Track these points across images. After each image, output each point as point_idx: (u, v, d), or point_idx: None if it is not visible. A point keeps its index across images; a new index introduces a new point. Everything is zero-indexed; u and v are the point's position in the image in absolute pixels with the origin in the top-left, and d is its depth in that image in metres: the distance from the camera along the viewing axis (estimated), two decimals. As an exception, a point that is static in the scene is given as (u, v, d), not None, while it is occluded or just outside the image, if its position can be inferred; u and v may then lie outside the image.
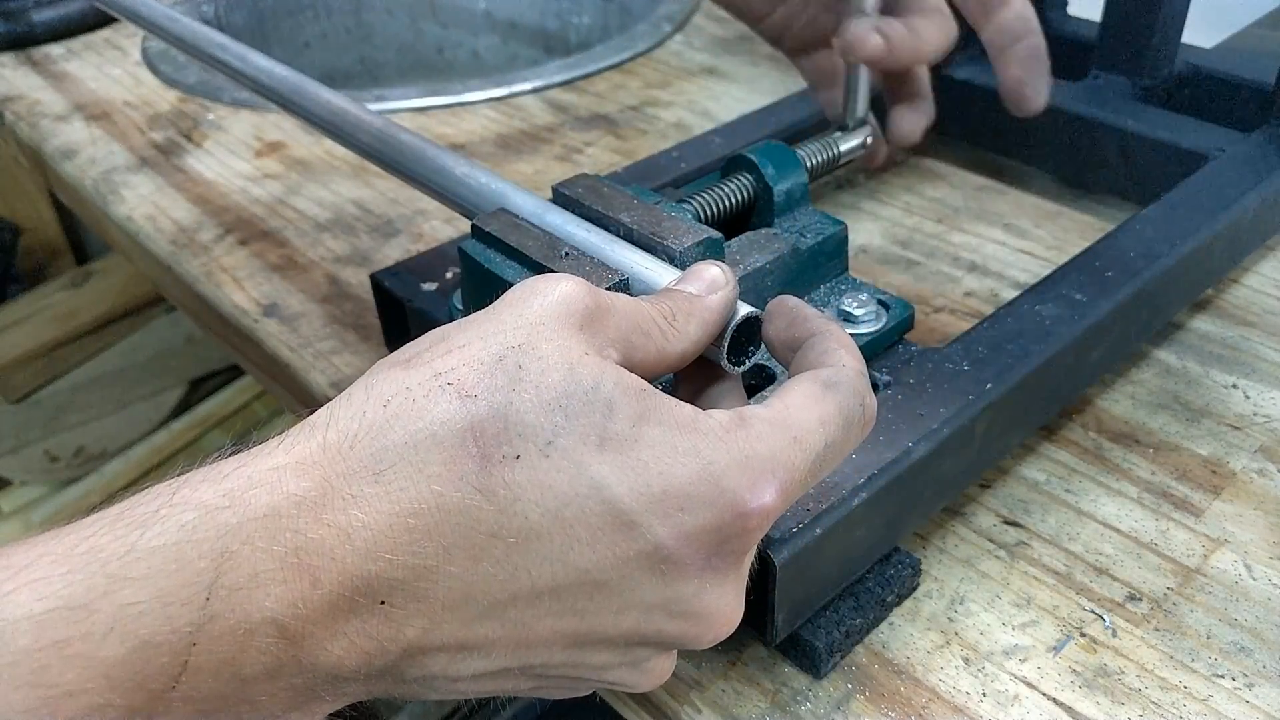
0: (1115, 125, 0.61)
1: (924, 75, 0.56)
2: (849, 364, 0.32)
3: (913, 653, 0.39)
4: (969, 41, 0.69)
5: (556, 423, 0.27)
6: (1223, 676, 0.38)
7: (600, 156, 0.74)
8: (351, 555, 0.25)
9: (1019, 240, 0.63)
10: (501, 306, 0.29)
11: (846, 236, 0.47)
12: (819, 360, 0.32)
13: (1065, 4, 0.74)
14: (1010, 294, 0.57)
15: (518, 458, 0.26)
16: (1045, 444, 0.48)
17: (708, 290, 0.33)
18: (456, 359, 0.27)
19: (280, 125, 0.81)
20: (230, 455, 0.27)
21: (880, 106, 0.57)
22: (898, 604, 0.41)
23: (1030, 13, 0.52)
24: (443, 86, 0.85)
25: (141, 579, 0.23)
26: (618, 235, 0.39)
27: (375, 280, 0.52)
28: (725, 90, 0.83)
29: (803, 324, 0.34)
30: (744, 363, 0.34)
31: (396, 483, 0.26)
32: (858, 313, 0.44)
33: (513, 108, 0.83)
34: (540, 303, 0.29)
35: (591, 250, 0.37)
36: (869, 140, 0.55)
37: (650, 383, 0.29)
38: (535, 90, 0.85)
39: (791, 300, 0.35)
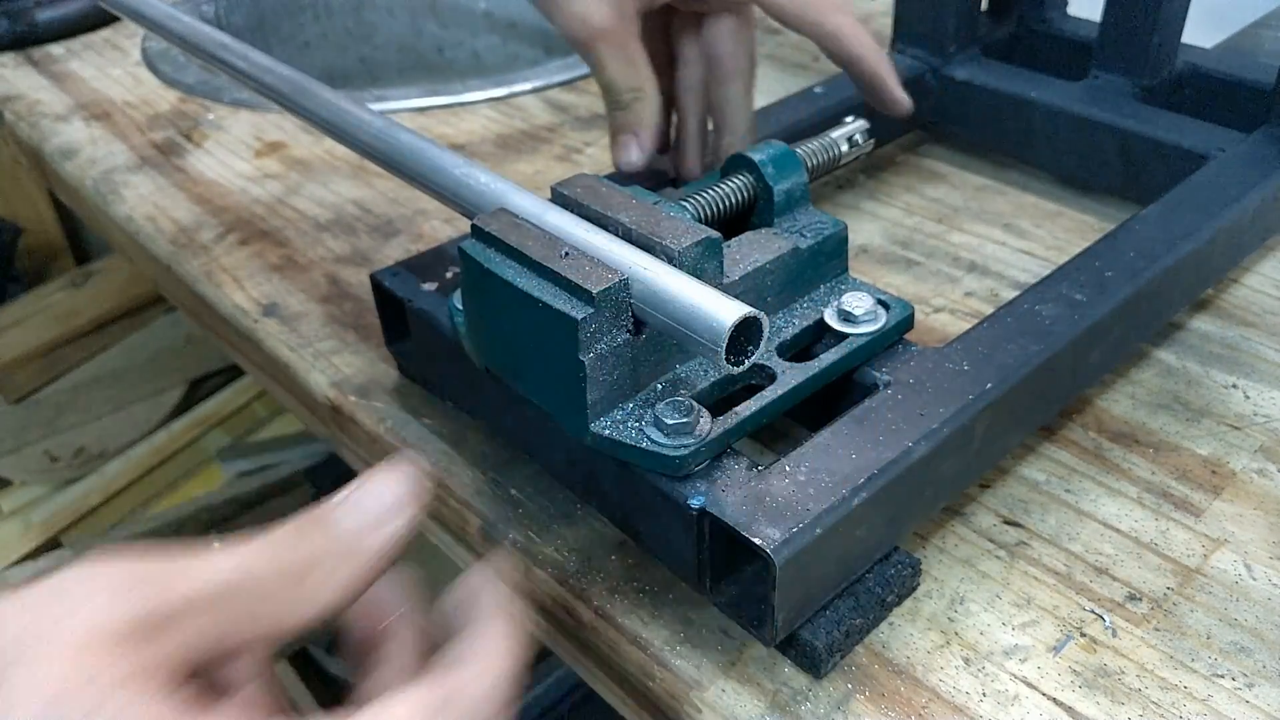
0: (1115, 125, 0.61)
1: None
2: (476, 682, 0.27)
3: (913, 653, 0.39)
4: (968, 41, 0.69)
5: None
6: (1223, 676, 0.38)
7: (600, 156, 0.74)
8: None
9: (1019, 240, 0.63)
10: None
11: (846, 236, 0.47)
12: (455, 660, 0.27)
13: (1065, 4, 0.74)
14: (1010, 294, 0.57)
15: None
16: (1045, 444, 0.48)
17: (373, 525, 0.27)
18: None
19: (280, 125, 0.81)
20: None
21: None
22: (898, 604, 0.41)
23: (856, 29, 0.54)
24: (443, 86, 0.85)
25: None
26: (617, 235, 0.39)
27: (375, 280, 0.52)
28: (725, 90, 0.83)
29: (466, 610, 0.29)
30: (743, 363, 0.34)
31: None
32: (857, 313, 0.44)
33: (513, 108, 0.83)
34: (30, 673, 0.22)
35: (591, 250, 0.37)
36: (868, 139, 0.55)
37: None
38: (535, 90, 0.85)
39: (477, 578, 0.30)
